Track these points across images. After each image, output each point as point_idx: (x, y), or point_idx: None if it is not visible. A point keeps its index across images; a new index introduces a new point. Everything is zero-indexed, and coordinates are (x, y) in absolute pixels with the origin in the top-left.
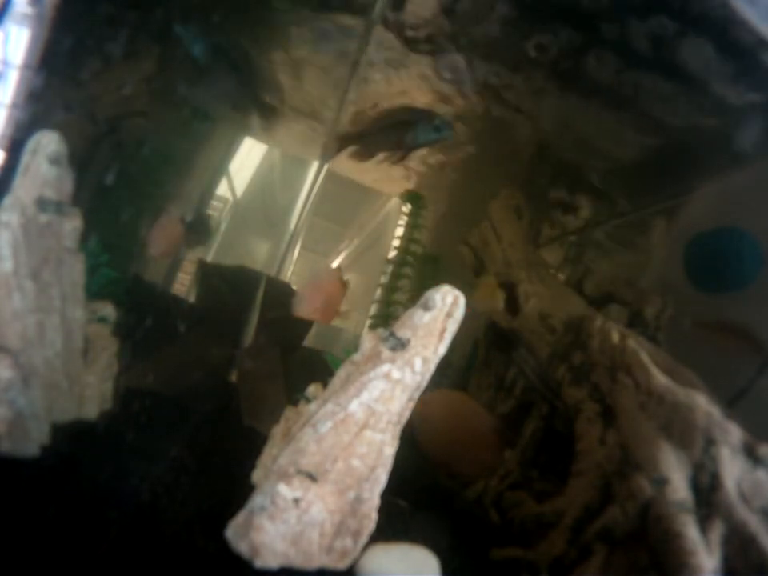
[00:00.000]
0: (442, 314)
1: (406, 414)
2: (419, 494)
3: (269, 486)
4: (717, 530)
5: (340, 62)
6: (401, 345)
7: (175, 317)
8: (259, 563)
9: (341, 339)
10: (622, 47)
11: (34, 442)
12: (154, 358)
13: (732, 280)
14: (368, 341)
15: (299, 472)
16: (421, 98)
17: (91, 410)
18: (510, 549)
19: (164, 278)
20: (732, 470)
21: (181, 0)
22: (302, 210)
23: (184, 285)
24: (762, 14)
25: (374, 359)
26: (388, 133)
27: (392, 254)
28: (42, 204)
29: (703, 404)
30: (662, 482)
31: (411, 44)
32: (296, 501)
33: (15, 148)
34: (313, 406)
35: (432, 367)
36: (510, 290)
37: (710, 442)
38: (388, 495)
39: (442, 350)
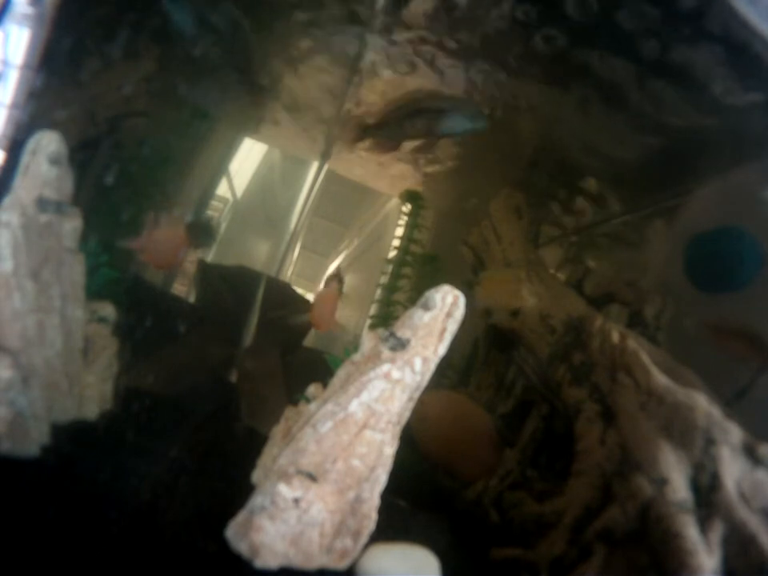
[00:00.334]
0: (442, 314)
1: (406, 414)
2: (419, 494)
3: (269, 486)
4: (717, 530)
5: (340, 60)
6: (401, 345)
7: (175, 317)
8: (259, 563)
9: (341, 339)
10: (621, 47)
11: (34, 442)
12: (154, 358)
13: (732, 280)
14: (368, 341)
15: (299, 472)
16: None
17: (91, 410)
18: (510, 549)
19: (164, 278)
20: (732, 470)
21: None
22: (302, 209)
23: (184, 285)
24: (762, 13)
25: (374, 359)
26: (414, 120)
27: (392, 253)
28: (42, 204)
29: (703, 404)
30: (662, 482)
31: (411, 44)
32: (296, 501)
33: (15, 148)
34: (313, 406)
35: (432, 367)
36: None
37: (710, 442)
38: (388, 495)
39: (442, 350)
